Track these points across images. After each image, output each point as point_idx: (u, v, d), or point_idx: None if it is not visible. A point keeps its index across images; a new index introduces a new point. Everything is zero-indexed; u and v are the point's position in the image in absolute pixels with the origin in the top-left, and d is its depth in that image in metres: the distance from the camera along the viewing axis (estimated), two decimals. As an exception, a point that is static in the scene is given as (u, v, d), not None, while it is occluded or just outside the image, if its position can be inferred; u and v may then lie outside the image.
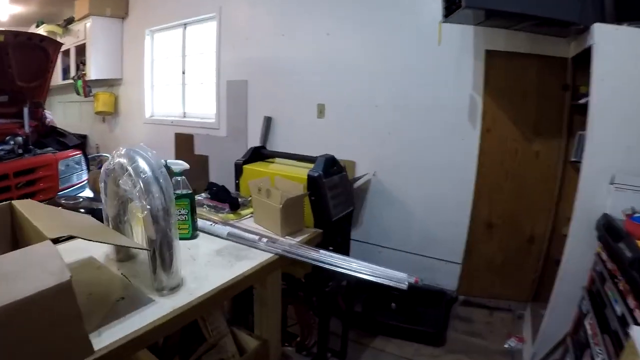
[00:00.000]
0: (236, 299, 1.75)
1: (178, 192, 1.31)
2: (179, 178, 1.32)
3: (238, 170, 1.82)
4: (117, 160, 1.03)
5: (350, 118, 2.87)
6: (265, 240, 1.30)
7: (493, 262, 2.46)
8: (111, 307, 0.95)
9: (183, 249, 1.27)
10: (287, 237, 1.40)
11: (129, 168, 0.99)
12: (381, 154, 2.75)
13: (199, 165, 3.92)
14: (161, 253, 1.00)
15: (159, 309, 0.96)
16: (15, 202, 1.01)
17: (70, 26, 4.87)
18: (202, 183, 1.99)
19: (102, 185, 1.13)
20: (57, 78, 5.02)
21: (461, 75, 2.41)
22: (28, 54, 2.92)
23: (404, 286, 1.12)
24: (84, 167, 2.97)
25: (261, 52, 3.30)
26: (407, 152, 2.64)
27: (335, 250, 1.35)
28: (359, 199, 2.83)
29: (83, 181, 2.88)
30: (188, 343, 1.72)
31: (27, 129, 2.90)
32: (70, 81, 4.86)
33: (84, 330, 0.74)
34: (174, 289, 1.04)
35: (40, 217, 0.92)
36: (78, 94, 4.67)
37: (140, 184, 0.97)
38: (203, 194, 1.73)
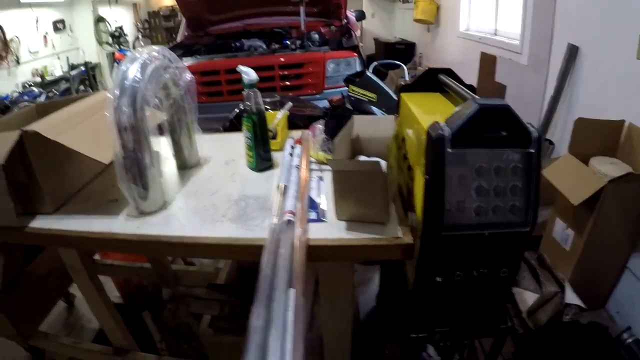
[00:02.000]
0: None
1: (247, 107, 1.06)
2: (251, 92, 1.05)
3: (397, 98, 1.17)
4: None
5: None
6: (292, 212, 0.85)
7: None
8: (99, 204, 0.99)
9: (220, 179, 1.10)
10: (344, 220, 0.89)
11: (121, 68, 0.88)
12: None
13: (497, 95, 3.22)
14: (130, 172, 0.88)
15: (105, 225, 0.90)
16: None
17: None
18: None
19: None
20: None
21: None
22: None
23: None
24: (358, 70, 2.89)
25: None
26: None
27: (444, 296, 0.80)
28: None
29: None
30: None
31: (302, 27, 3.08)
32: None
33: (10, 205, 0.88)
34: (144, 214, 0.93)
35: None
36: (398, -1, 4.66)
37: (117, 90, 0.85)
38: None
